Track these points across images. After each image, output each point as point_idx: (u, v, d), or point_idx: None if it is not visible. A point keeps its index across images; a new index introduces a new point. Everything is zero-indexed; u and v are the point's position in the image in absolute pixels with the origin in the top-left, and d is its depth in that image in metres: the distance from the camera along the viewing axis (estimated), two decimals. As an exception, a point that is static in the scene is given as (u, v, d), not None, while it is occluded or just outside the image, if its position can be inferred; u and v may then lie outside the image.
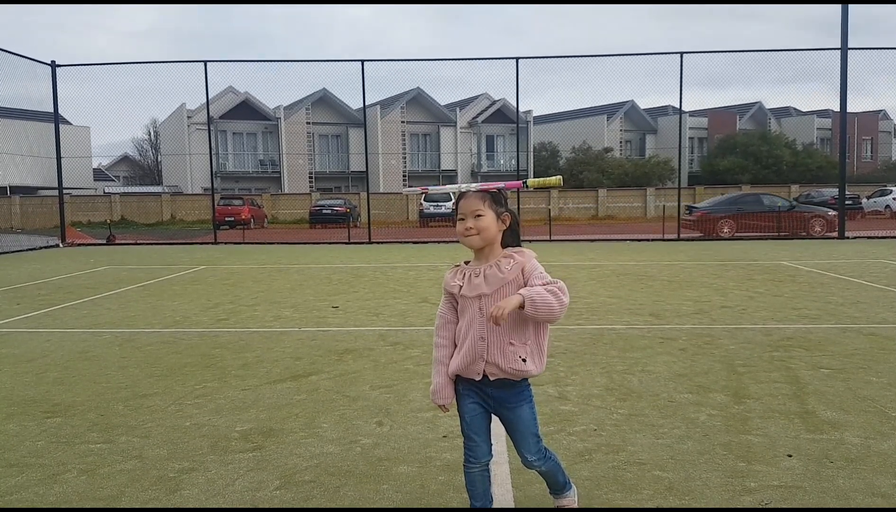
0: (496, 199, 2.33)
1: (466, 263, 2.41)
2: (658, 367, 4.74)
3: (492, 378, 2.32)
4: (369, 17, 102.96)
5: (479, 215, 2.28)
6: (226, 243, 19.74)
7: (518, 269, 2.28)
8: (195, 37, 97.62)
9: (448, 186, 2.48)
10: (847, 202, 20.38)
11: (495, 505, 2.58)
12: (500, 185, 2.37)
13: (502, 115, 45.00)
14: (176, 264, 13.10)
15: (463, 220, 2.32)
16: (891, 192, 31.99)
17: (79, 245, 19.75)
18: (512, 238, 2.38)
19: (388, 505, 2.72)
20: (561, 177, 2.38)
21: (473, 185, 2.36)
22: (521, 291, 2.21)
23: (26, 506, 2.75)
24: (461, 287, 2.34)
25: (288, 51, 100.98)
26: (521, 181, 2.47)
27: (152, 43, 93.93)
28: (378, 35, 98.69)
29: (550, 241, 18.59)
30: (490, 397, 2.36)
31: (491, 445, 2.44)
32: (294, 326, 6.52)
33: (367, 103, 20.08)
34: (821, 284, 8.85)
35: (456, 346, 2.40)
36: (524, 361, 2.29)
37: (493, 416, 2.42)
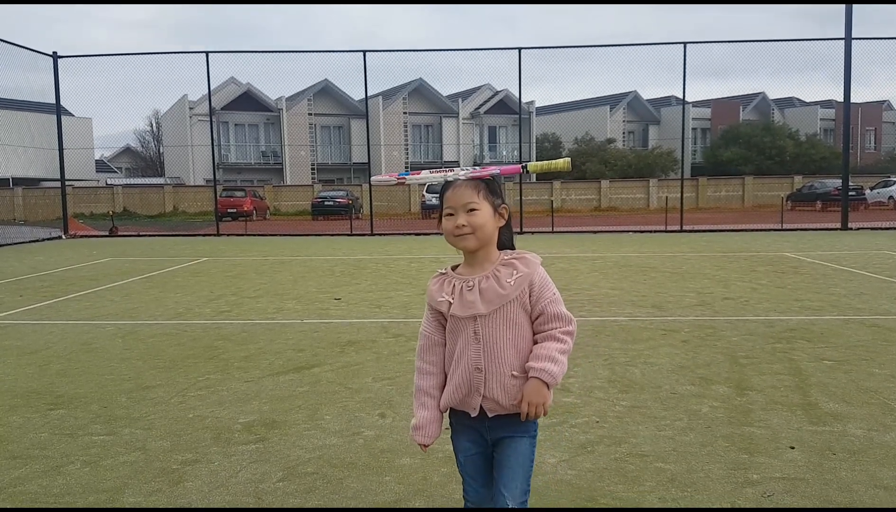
0: (492, 188, 1.87)
1: (454, 268, 1.95)
2: (660, 359, 4.74)
3: (490, 415, 1.90)
4: (369, 8, 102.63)
5: (472, 209, 1.83)
6: (228, 235, 19.74)
7: (524, 284, 1.84)
8: (196, 27, 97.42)
9: (430, 174, 1.95)
10: (850, 193, 20.30)
11: None
12: (495, 170, 1.89)
13: (505, 105, 44.88)
14: (178, 256, 13.10)
15: (452, 215, 1.86)
16: (894, 182, 31.87)
17: (81, 237, 19.77)
18: (507, 235, 1.95)
19: (390, 497, 2.72)
20: (569, 159, 1.97)
21: (461, 171, 1.88)
22: (542, 372, 1.82)
23: (30, 497, 2.76)
24: (451, 304, 1.88)
25: (289, 41, 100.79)
26: (519, 166, 1.99)
27: (153, 33, 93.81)
28: (378, 26, 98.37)
29: (553, 232, 18.56)
30: (488, 429, 1.94)
31: (493, 491, 1.96)
32: (296, 317, 6.52)
33: (368, 94, 20.01)
34: (824, 276, 8.83)
35: (446, 374, 1.95)
36: None
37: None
